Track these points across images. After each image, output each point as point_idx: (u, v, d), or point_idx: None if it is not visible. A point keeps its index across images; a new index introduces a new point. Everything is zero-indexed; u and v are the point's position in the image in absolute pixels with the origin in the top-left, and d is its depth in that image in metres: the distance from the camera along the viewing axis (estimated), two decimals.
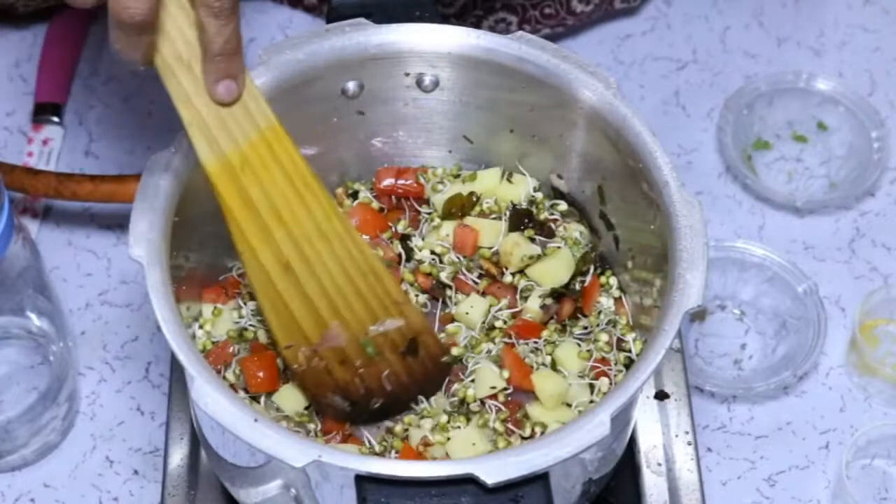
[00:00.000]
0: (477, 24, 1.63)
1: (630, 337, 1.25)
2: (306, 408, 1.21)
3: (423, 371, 1.22)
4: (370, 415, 1.21)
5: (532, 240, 1.30)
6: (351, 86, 1.28)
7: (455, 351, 1.24)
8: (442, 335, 1.25)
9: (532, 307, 1.27)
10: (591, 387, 1.23)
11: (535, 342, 1.26)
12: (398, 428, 1.21)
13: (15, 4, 1.64)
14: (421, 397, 1.22)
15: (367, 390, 1.20)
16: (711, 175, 1.62)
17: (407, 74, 1.29)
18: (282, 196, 1.15)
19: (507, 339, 1.25)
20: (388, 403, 1.21)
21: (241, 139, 1.13)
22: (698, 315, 1.50)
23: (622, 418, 1.13)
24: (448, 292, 1.29)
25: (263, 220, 1.15)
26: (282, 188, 1.15)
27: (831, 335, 1.48)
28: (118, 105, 1.65)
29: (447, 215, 1.32)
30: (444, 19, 1.52)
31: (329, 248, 1.17)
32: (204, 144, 1.12)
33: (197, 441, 1.32)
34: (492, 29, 1.64)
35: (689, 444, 1.34)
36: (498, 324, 1.27)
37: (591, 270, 1.30)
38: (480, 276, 1.30)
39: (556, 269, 1.28)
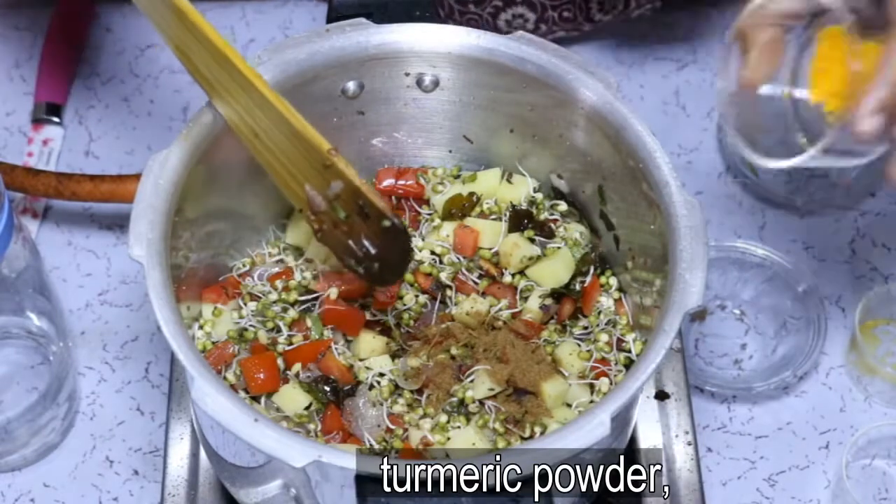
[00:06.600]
0: (494, 16, 1.62)
1: (630, 337, 1.25)
2: (306, 408, 1.21)
3: (383, 234, 1.18)
4: (381, 276, 1.21)
5: (532, 240, 1.30)
6: (351, 86, 1.28)
7: (455, 351, 1.24)
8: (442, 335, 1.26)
9: (532, 307, 1.27)
10: (591, 387, 1.23)
11: (535, 342, 1.26)
12: (398, 429, 1.21)
13: None
14: (425, 394, 1.22)
15: (365, 252, 1.19)
16: (711, 175, 1.62)
17: (407, 74, 1.29)
18: (216, 71, 1.16)
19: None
20: (384, 267, 1.19)
21: (167, 24, 1.16)
22: (698, 315, 1.50)
23: (622, 418, 1.13)
24: (448, 292, 1.29)
25: (222, 95, 1.17)
26: (210, 64, 1.16)
27: (831, 335, 1.48)
28: (118, 105, 1.65)
29: (447, 216, 1.32)
30: (462, 4, 1.52)
31: (265, 116, 1.17)
32: (163, 36, 1.18)
33: (197, 441, 1.32)
34: (508, 23, 1.63)
35: (689, 444, 1.34)
36: (498, 324, 1.27)
37: (591, 270, 1.30)
38: (480, 277, 1.30)
39: (555, 270, 1.28)
